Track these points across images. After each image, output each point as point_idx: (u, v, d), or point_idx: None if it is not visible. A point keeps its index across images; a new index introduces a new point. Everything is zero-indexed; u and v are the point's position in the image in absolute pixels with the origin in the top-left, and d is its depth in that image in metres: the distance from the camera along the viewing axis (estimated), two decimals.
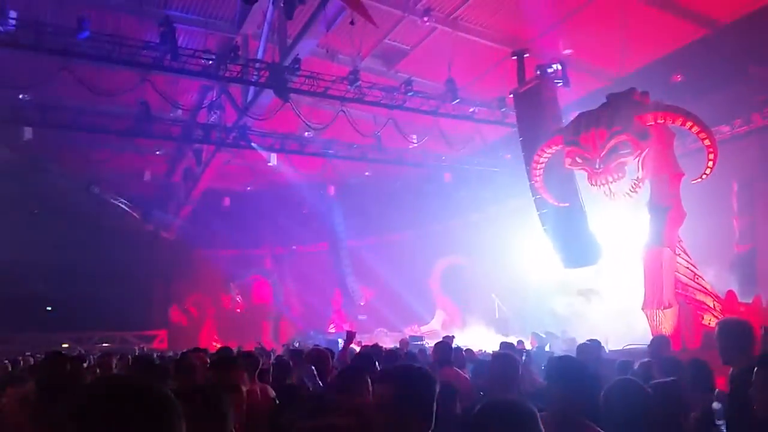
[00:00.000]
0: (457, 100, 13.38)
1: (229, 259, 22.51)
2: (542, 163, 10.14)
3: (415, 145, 14.86)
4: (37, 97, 12.98)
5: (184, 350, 12.26)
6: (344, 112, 12.71)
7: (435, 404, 1.96)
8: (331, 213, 22.03)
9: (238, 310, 23.96)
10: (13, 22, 10.07)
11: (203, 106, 14.26)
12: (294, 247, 23.92)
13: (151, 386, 1.14)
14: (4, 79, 11.99)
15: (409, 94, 12.95)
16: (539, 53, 12.31)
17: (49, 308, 19.94)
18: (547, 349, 9.84)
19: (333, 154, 15.86)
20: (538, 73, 12.09)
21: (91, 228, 18.41)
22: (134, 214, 19.49)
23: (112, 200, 18.57)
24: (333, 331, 22.15)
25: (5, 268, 16.85)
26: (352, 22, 9.79)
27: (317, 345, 13.51)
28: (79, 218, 17.88)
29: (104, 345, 18.63)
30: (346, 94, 12.43)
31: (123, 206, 19.01)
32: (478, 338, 14.99)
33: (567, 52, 12.79)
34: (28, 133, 13.75)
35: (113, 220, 19.07)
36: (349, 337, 7.03)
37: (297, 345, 16.42)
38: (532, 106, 12.13)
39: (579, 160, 9.04)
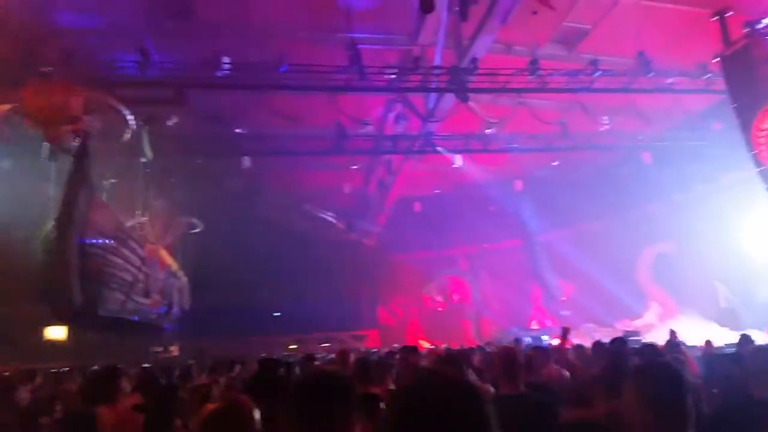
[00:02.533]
0: (652, 73, 12.40)
1: (426, 260, 23.35)
2: (765, 129, 8.96)
3: (607, 126, 14.07)
4: (250, 129, 14.92)
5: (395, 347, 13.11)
6: (523, 103, 12.56)
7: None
8: (521, 208, 21.69)
9: (440, 309, 24.69)
10: (227, 66, 11.68)
11: (389, 118, 15.08)
12: (485, 246, 23.99)
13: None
14: (224, 117, 14.00)
15: (596, 74, 12.33)
16: (744, 9, 10.92)
17: (277, 314, 22.54)
18: None
19: (517, 147, 15.67)
20: (747, 31, 10.73)
21: (304, 241, 20.56)
22: (339, 225, 21.25)
23: (320, 215, 20.50)
24: (536, 327, 21.77)
25: (239, 280, 19.66)
26: (534, 12, 9.65)
27: (519, 340, 13.50)
28: (295, 233, 20.12)
29: (324, 345, 20.59)
30: (527, 84, 12.24)
31: (329, 219, 20.86)
32: (696, 332, 13.62)
33: None
34: (246, 161, 15.81)
35: (322, 232, 21.04)
36: (565, 333, 6.95)
37: (500, 340, 16.49)
38: (743, 68, 10.79)
39: None
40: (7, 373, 10.70)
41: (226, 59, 11.25)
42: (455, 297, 25.20)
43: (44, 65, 10.62)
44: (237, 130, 14.77)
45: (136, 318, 12.90)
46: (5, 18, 10.66)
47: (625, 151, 16.58)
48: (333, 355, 9.07)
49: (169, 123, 13.11)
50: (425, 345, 18.14)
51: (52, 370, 12.28)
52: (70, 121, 9.84)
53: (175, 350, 18.06)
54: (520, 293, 22.53)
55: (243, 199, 18.51)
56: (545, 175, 19.41)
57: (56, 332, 17.14)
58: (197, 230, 18.25)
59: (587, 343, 8.76)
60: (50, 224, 9.82)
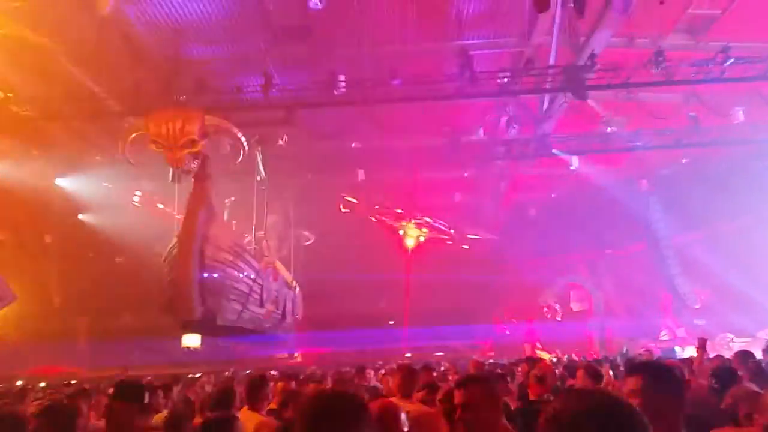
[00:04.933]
0: None
1: (542, 267, 22.60)
2: None
3: (742, 119, 12.96)
4: (363, 143, 15.36)
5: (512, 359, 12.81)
6: (646, 98, 11.88)
7: None
8: (647, 209, 20.40)
9: (558, 319, 23.80)
10: (343, 84, 12.09)
11: (501, 123, 14.85)
12: (608, 251, 22.80)
13: None
14: (335, 133, 14.52)
15: (728, 62, 11.40)
16: None
17: (391, 322, 22.83)
18: None
19: (641, 145, 14.81)
20: None
21: (417, 249, 20.72)
22: (452, 233, 21.20)
23: (433, 223, 20.60)
24: (666, 337, 20.35)
25: (354, 290, 20.18)
26: (661, 1, 9.14)
27: (649, 351, 12.67)
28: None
29: (438, 354, 20.55)
30: (651, 78, 11.56)
31: (442, 227, 20.88)
32: None
33: None
34: (361, 174, 16.26)
35: (435, 241, 21.11)
36: (702, 343, 6.45)
37: (626, 351, 15.58)
38: None
39: None
40: (149, 378, 11.69)
41: (341, 77, 11.65)
42: (574, 305, 24.15)
43: (179, 94, 11.60)
44: (353, 145, 15.21)
45: (252, 327, 13.55)
46: (147, 54, 11.78)
47: (762, 144, 15.16)
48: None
49: (281, 142, 13.77)
50: (544, 356, 17.53)
51: (189, 375, 13.24)
52: (189, 144, 10.57)
53: (299, 357, 18.83)
54: (648, 301, 21.14)
55: (357, 211, 19.00)
56: (673, 173, 18.17)
57: (192, 340, 18.44)
58: (310, 242, 18.95)
59: (726, 355, 8.05)
60: (174, 241, 10.58)
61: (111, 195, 14.52)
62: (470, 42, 12.15)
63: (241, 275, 12.55)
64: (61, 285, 14.78)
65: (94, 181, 14.03)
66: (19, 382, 12.82)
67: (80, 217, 15.23)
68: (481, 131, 14.38)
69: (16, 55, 10.54)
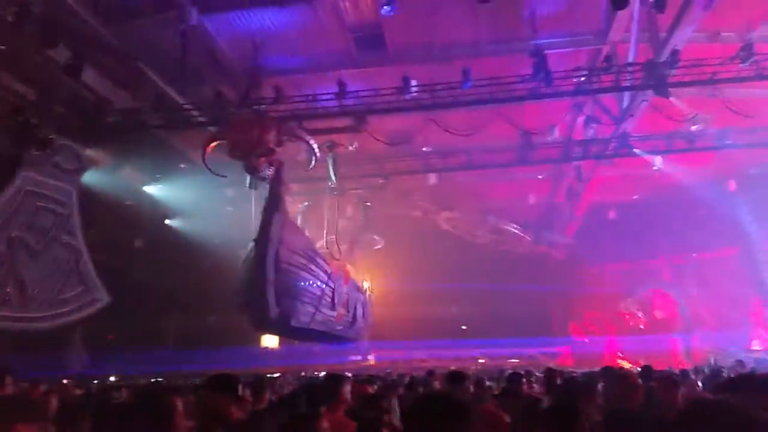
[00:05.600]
0: None
1: (623, 273, 21.73)
2: None
3: None
4: (434, 146, 15.35)
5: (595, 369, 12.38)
6: (733, 94, 11.23)
7: None
8: (736, 211, 19.21)
9: (641, 327, 22.78)
10: (415, 88, 12.15)
11: (578, 123, 14.45)
12: (694, 255, 21.62)
13: None
14: (411, 136, 14.57)
15: None
16: None
17: (464, 327, 22.61)
18: None
19: (730, 144, 14.01)
20: None
21: (490, 254, 20.43)
22: (526, 237, 20.77)
23: (506, 227, 20.26)
24: (758, 348, 19.07)
25: (425, 293, 20.13)
26: None
27: (740, 363, 11.90)
28: (480, 246, 20.10)
29: (513, 361, 20.11)
30: (739, 73, 10.93)
31: (515, 231, 20.50)
32: None
33: None
34: (432, 178, 16.27)
35: (508, 246, 20.74)
36: None
37: (713, 362, 14.70)
38: None
39: None
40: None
41: (413, 81, 11.72)
42: (658, 313, 23.01)
43: (258, 103, 12.04)
44: (424, 149, 15.25)
45: (324, 329, 13.80)
46: (228, 66, 12.33)
47: None
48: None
49: (351, 148, 13.99)
50: (625, 365, 16.83)
51: (267, 375, 13.65)
52: (265, 152, 10.93)
53: (372, 360, 19.01)
54: (738, 308, 19.85)
55: (429, 215, 18.99)
56: (763, 173, 17.05)
57: (270, 340, 19.03)
58: (380, 246, 19.10)
59: None
60: (251, 244, 10.96)
61: (195, 201, 15.26)
62: (544, 41, 11.91)
63: (313, 278, 12.86)
64: (149, 287, 15.63)
65: (179, 188, 14.79)
66: (112, 378, 13.68)
67: (167, 222, 16.08)
68: (557, 132, 14.03)
69: (107, 69, 11.29)
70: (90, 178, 10.73)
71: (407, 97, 12.00)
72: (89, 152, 10.68)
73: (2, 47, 9.14)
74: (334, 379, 4.37)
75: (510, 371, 11.24)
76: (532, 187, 18.51)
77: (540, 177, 17.86)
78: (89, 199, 10.57)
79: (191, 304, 17.35)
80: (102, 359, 14.54)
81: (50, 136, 9.49)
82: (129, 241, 15.16)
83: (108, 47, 10.57)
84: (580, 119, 14.14)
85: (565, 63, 12.35)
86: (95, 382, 11.40)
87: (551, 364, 18.24)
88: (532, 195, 18.67)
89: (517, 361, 20.55)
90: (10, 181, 8.86)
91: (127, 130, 11.91)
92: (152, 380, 13.59)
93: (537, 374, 11.44)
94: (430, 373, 10.09)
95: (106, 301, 10.26)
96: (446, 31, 12.15)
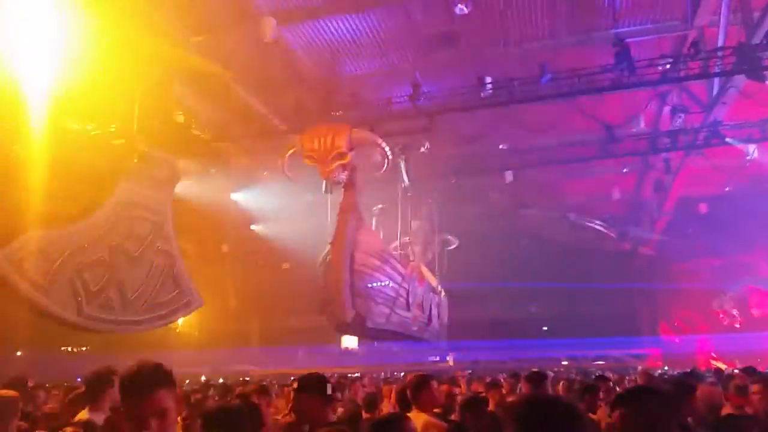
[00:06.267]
0: None
1: (716, 269, 20.54)
2: None
3: None
4: (511, 143, 15.12)
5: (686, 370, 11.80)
6: None
7: None
8: None
9: (737, 325, 21.46)
10: (489, 86, 12.03)
11: (664, 113, 13.83)
12: None
13: None
14: (485, 134, 14.44)
15: None
16: None
17: (545, 328, 22.08)
18: None
19: None
20: None
21: (571, 252, 19.83)
22: (610, 234, 20.03)
23: (588, 224, 19.62)
24: None
25: (504, 294, 19.80)
26: None
27: None
28: (560, 245, 19.55)
29: (598, 363, 19.48)
30: None
31: (598, 228, 19.82)
32: None
33: None
34: (509, 176, 16.00)
35: (590, 243, 20.06)
36: None
37: None
38: None
39: None
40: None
41: (488, 79, 11.61)
42: (756, 311, 21.58)
43: (335, 110, 12.32)
44: (500, 146, 15.06)
45: (400, 330, 13.88)
46: (306, 75, 12.70)
47: None
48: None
49: (423, 149, 14.00)
50: (720, 366, 15.89)
51: (349, 375, 13.91)
52: (339, 157, 11.16)
53: (450, 360, 18.92)
54: None
55: (505, 214, 18.68)
56: None
57: (350, 341, 19.35)
58: (454, 246, 18.99)
59: None
60: (327, 248, 11.20)
61: (278, 206, 15.80)
62: (626, 30, 11.50)
63: (388, 280, 13.01)
64: (236, 290, 16.33)
65: (263, 195, 15.37)
66: (203, 378, 14.37)
67: (252, 227, 16.72)
68: (642, 122, 13.47)
69: (195, 84, 11.89)
70: (181, 187, 11.34)
71: (482, 94, 11.91)
72: (181, 163, 11.29)
73: (98, 67, 9.77)
74: (422, 380, 4.38)
75: (597, 373, 10.90)
76: (616, 181, 17.83)
77: (625, 171, 17.19)
78: (181, 207, 11.17)
79: (275, 305, 17.96)
80: (194, 358, 15.35)
81: (145, 150, 10.11)
82: (217, 246, 15.88)
83: (195, 63, 11.12)
84: (667, 109, 13.51)
85: (649, 51, 11.86)
86: (187, 381, 12.00)
87: (640, 366, 17.57)
88: (616, 190, 17.97)
89: (603, 362, 19.87)
90: (112, 193, 9.49)
91: (214, 141, 12.51)
92: (241, 378, 14.17)
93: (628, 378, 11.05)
94: (514, 375, 9.92)
95: (199, 304, 10.79)
96: (521, 26, 11.96)
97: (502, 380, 8.12)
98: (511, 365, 16.10)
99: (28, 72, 8.28)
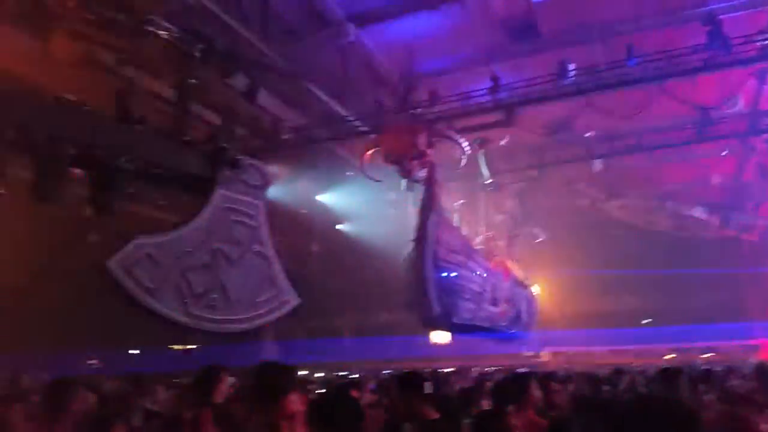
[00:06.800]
0: None
1: None
2: None
3: None
4: (599, 132, 14.59)
5: None
6: None
7: None
8: None
9: None
10: (572, 73, 11.65)
11: (764, 91, 12.88)
12: None
13: None
14: (567, 123, 14.04)
15: None
16: None
17: (646, 321, 21.11)
18: None
19: None
20: None
21: (672, 242, 18.88)
22: (712, 221, 18.88)
23: (686, 212, 18.60)
24: None
25: (600, 286, 19.13)
26: None
27: None
28: (660, 234, 18.66)
29: (708, 356, 18.41)
30: None
31: (698, 215, 18.74)
32: None
33: None
34: (598, 165, 15.46)
35: (691, 231, 19.00)
36: None
37: None
38: None
39: None
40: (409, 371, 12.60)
41: (571, 66, 11.28)
42: None
43: (414, 108, 12.42)
44: (586, 135, 14.60)
45: (488, 325, 13.78)
46: (385, 76, 12.91)
47: None
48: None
49: (502, 143, 13.78)
50: None
51: (439, 370, 14.01)
52: (417, 155, 11.21)
53: (545, 356, 18.53)
54: None
55: (597, 203, 18.05)
56: None
57: (440, 336, 19.41)
58: (542, 239, 18.57)
59: None
60: (410, 245, 11.31)
61: (362, 206, 16.16)
62: (718, 6, 10.82)
63: (472, 275, 12.97)
64: (327, 287, 16.87)
65: (347, 195, 15.78)
66: (302, 372, 14.95)
67: (338, 227, 17.21)
68: (741, 103, 12.62)
69: (278, 91, 12.36)
70: (271, 191, 11.85)
71: (565, 82, 11.58)
72: (271, 168, 11.79)
73: (193, 81, 10.39)
74: (522, 378, 4.39)
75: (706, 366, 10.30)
76: (715, 166, 16.79)
77: (723, 154, 16.15)
78: (272, 210, 11.67)
79: (363, 302, 18.35)
80: (290, 352, 16.02)
81: (237, 157, 10.64)
82: (306, 246, 16.45)
83: (277, 70, 11.58)
84: (766, 87, 12.59)
85: (743, 27, 11.11)
86: None
87: (752, 358, 16.43)
88: (715, 175, 16.93)
89: (713, 355, 18.75)
90: (210, 200, 10.08)
91: (299, 145, 12.97)
92: (336, 373, 14.66)
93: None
94: (618, 371, 9.58)
95: (295, 303, 11.24)
96: (604, 9, 11.54)
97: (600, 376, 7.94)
98: (610, 359, 15.63)
99: None
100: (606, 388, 7.87)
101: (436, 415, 3.55)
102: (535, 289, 18.12)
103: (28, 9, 8.96)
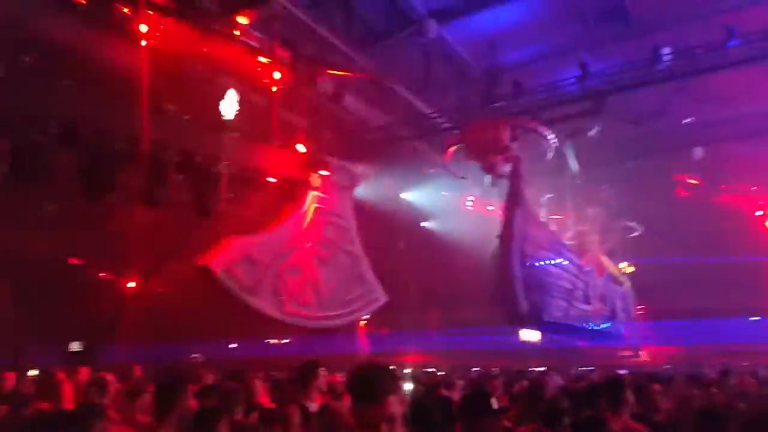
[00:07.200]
0: None
1: None
2: None
3: None
4: (698, 118, 13.76)
5: None
6: None
7: None
8: None
9: None
10: (667, 58, 11.06)
11: None
12: None
13: None
14: (661, 111, 13.31)
15: None
16: None
17: (754, 318, 19.64)
18: None
19: None
20: None
21: None
22: None
23: None
24: None
25: (702, 282, 17.98)
26: None
27: None
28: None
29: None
30: None
31: None
32: None
33: None
34: (698, 152, 14.59)
35: None
36: None
37: None
38: None
39: None
40: (496, 370, 12.52)
41: (666, 50, 10.73)
42: None
43: (498, 101, 12.25)
44: (684, 121, 13.82)
45: (580, 324, 13.31)
46: (467, 70, 12.82)
47: None
48: None
49: (591, 133, 13.27)
50: None
51: (530, 369, 13.72)
52: (501, 150, 11.00)
53: (644, 355, 17.71)
54: None
55: (699, 193, 17.03)
56: None
57: (530, 334, 19.04)
58: (638, 233, 17.71)
59: None
60: (496, 241, 11.16)
61: (446, 203, 16.13)
62: None
63: (562, 272, 12.61)
64: (414, 283, 16.99)
65: (432, 192, 15.80)
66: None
67: (423, 224, 17.27)
68: None
69: (362, 91, 12.60)
70: (358, 190, 12.12)
71: (660, 67, 11.03)
72: (357, 168, 12.06)
73: (280, 87, 10.78)
74: (616, 382, 4.28)
75: None
76: None
77: None
78: (359, 209, 11.93)
79: (449, 299, 18.31)
80: (377, 346, 16.39)
81: (325, 158, 10.99)
82: (393, 244, 16.63)
83: (360, 71, 11.79)
84: None
85: None
86: None
87: None
88: None
89: None
90: (302, 202, 10.51)
91: (384, 144, 13.14)
92: (423, 369, 14.74)
93: None
94: (726, 372, 8.99)
95: (383, 300, 11.47)
96: None
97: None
98: (722, 357, 14.73)
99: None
100: (713, 390, 7.37)
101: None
102: (631, 285, 17.32)
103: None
